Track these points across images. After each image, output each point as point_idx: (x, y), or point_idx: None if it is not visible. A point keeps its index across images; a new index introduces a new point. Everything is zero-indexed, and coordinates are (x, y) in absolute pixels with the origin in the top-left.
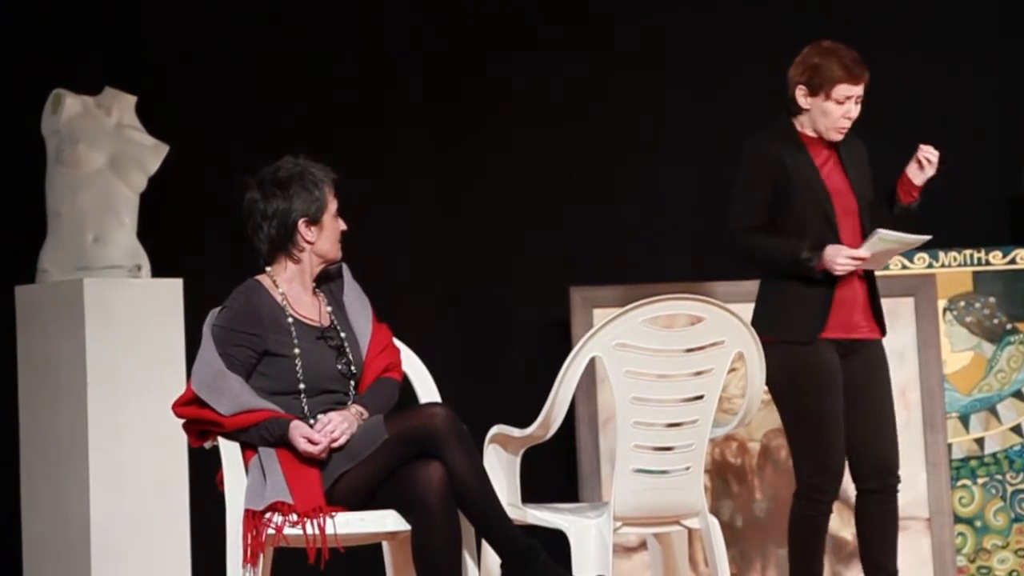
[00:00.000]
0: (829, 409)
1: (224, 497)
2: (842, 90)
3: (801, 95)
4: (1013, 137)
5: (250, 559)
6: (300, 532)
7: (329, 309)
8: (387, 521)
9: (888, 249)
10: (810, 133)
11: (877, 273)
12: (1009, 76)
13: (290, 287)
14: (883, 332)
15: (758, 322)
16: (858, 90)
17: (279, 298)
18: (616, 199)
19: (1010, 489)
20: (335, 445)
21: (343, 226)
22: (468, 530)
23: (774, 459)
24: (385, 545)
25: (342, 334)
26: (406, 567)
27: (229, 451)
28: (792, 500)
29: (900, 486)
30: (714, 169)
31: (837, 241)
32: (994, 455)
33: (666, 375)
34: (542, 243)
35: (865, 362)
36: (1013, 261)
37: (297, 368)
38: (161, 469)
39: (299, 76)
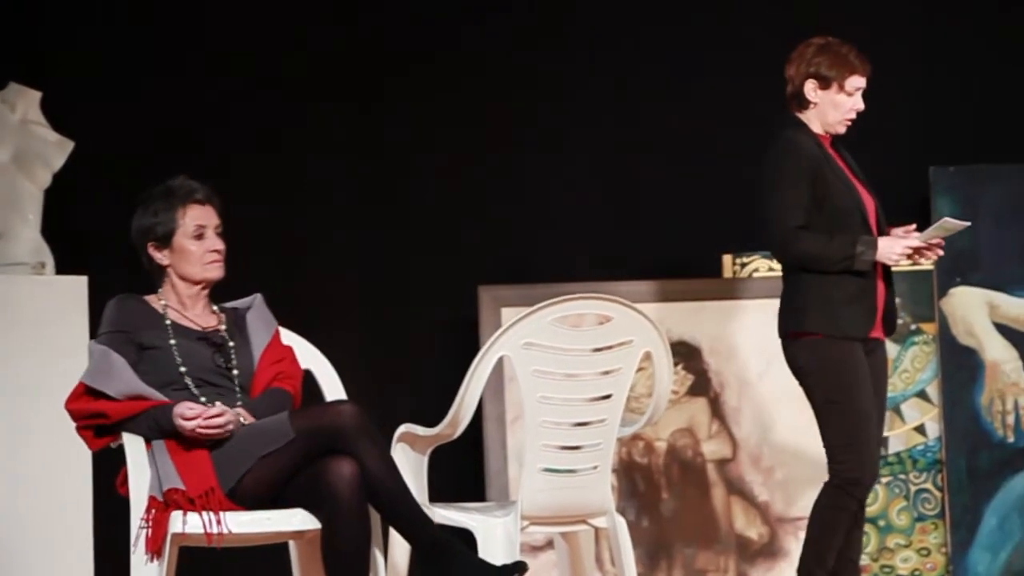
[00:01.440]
0: (869, 406)
1: (125, 499)
2: (855, 81)
3: (811, 88)
4: (920, 138)
5: (152, 547)
6: (199, 520)
7: (224, 327)
8: (295, 520)
9: (936, 237)
10: (817, 130)
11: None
12: (918, 78)
13: (176, 303)
14: (888, 332)
15: (791, 319)
16: (864, 82)
17: (159, 308)
18: (524, 199)
19: (913, 488)
20: (215, 429)
21: (217, 245)
22: (374, 525)
23: (681, 458)
24: (292, 544)
25: (231, 343)
26: (313, 566)
27: (133, 444)
28: (824, 490)
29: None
30: (621, 169)
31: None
32: (898, 455)
33: (574, 374)
34: (450, 242)
35: (882, 362)
36: (918, 262)
37: (175, 357)
38: (64, 468)
39: (205, 75)
